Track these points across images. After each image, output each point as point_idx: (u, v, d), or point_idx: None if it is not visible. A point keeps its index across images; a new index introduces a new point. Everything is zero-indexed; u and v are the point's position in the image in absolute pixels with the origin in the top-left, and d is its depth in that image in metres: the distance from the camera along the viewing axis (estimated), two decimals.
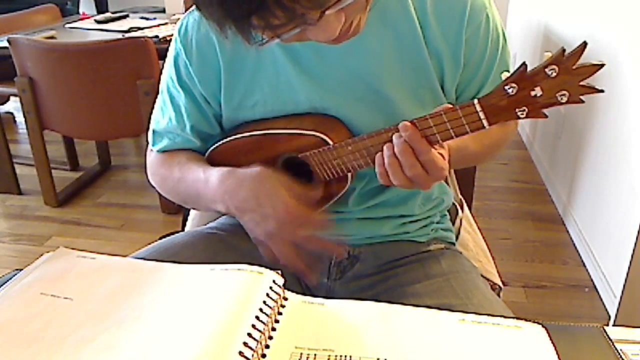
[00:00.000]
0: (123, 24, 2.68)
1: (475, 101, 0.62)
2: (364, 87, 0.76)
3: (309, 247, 0.72)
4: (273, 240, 0.72)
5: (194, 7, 0.79)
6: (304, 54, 0.75)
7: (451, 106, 0.64)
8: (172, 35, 1.72)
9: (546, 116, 0.60)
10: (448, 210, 0.98)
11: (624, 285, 1.58)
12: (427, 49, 0.74)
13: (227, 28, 0.55)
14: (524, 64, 0.59)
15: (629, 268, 1.55)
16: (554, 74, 0.57)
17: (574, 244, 2.10)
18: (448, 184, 1.03)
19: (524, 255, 2.05)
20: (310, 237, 0.72)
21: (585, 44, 0.56)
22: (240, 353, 0.50)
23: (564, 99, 0.58)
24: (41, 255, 0.69)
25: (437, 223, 0.93)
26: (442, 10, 0.74)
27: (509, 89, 0.60)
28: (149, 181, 0.89)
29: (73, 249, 0.71)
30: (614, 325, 1.62)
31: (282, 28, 0.55)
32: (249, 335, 0.52)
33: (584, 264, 1.98)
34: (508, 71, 0.80)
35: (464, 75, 0.78)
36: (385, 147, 0.67)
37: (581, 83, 0.57)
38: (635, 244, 1.52)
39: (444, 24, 0.74)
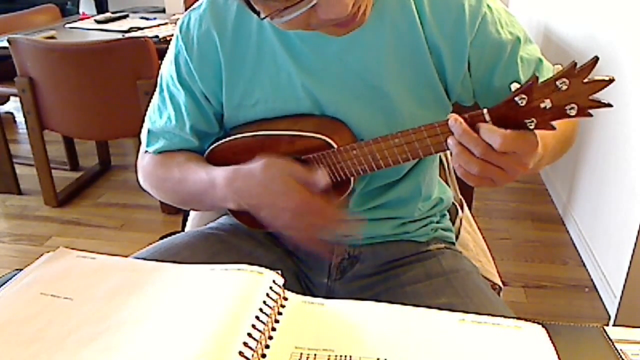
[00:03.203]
0: (123, 24, 2.68)
1: (485, 110, 0.62)
2: (362, 84, 0.76)
3: (325, 231, 0.73)
4: (292, 230, 0.73)
5: (195, 4, 0.79)
6: (302, 50, 0.75)
7: (459, 116, 0.64)
8: (172, 35, 1.72)
9: (554, 128, 0.60)
10: (448, 210, 0.98)
11: (624, 285, 1.58)
12: (427, 46, 0.74)
13: None
14: (534, 75, 0.59)
15: (629, 268, 1.55)
16: (565, 87, 0.58)
17: (574, 244, 2.10)
18: (448, 184, 1.03)
19: (524, 255, 2.05)
20: (326, 222, 0.73)
21: (596, 58, 0.56)
22: (240, 353, 0.50)
23: (573, 112, 0.58)
24: (41, 255, 0.69)
25: (437, 223, 0.93)
26: (440, 7, 0.73)
27: (519, 100, 0.60)
28: (139, 185, 0.88)
29: (73, 249, 0.71)
30: (614, 325, 1.62)
31: None
32: (249, 335, 0.52)
33: (584, 264, 1.98)
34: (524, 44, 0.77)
35: (485, 64, 0.75)
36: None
37: (590, 97, 0.57)
38: (635, 244, 1.52)
39: (441, 20, 0.73)
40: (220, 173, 0.75)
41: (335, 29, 0.66)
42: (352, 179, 0.76)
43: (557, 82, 0.58)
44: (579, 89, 0.57)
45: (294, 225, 0.72)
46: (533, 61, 0.76)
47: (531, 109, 0.60)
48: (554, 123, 0.60)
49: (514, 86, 0.61)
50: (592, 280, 1.89)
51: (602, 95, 0.58)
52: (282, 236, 0.75)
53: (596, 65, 0.57)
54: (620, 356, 0.55)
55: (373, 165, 0.72)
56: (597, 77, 0.57)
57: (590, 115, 0.58)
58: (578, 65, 0.57)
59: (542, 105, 0.59)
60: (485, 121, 0.62)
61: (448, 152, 1.05)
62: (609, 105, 0.57)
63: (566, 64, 0.58)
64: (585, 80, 0.57)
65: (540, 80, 0.59)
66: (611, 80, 0.56)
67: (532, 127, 0.61)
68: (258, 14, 0.62)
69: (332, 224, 0.73)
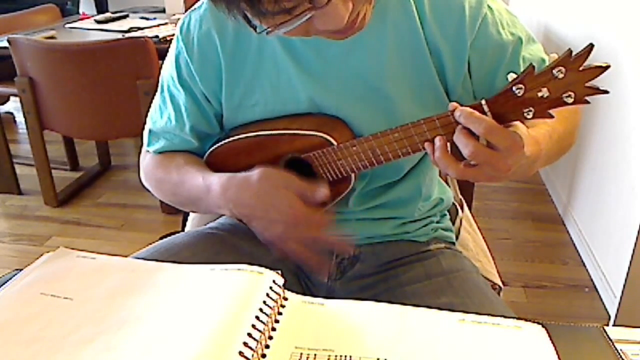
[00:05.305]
0: (123, 24, 2.68)
1: (483, 101, 0.63)
2: (363, 86, 0.76)
3: (317, 245, 0.73)
4: (282, 241, 0.73)
5: (196, 5, 0.79)
6: (304, 52, 0.75)
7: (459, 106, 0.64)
8: (172, 35, 1.72)
9: (552, 116, 0.61)
10: (448, 210, 0.98)
11: (624, 285, 1.58)
12: (427, 48, 0.74)
13: (235, 12, 0.58)
14: (531, 65, 0.59)
15: (629, 268, 1.55)
16: (561, 75, 0.58)
17: (574, 244, 2.10)
18: (448, 184, 1.03)
19: (524, 255, 2.05)
20: (318, 236, 0.72)
21: (591, 45, 0.57)
22: (240, 353, 0.50)
23: (570, 100, 0.59)
24: (41, 255, 0.69)
25: (437, 223, 0.93)
26: (440, 9, 0.73)
27: (516, 90, 0.60)
28: (141, 183, 0.88)
29: (73, 249, 0.70)
30: (614, 325, 1.62)
31: (292, 12, 0.56)
32: (249, 335, 0.52)
33: (584, 264, 1.98)
34: (526, 40, 0.78)
35: (486, 65, 0.75)
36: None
37: (587, 84, 0.58)
38: (635, 244, 1.52)
39: (442, 22, 0.73)
40: (216, 179, 0.75)
41: (335, 35, 0.66)
42: (352, 176, 0.76)
43: (554, 71, 0.58)
44: (575, 76, 0.58)
45: (284, 237, 0.72)
46: (535, 61, 0.76)
47: (529, 98, 0.60)
48: (551, 111, 0.60)
49: (511, 76, 0.61)
50: (592, 280, 1.89)
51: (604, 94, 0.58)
52: (272, 247, 0.74)
53: (591, 53, 0.57)
54: (620, 356, 0.55)
55: (373, 160, 0.72)
56: (592, 64, 0.57)
57: (588, 102, 0.59)
58: (573, 54, 0.57)
59: (540, 94, 0.60)
60: (483, 112, 0.63)
61: None
62: (605, 92, 0.58)
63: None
64: (581, 68, 0.57)
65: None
66: (607, 67, 0.57)
67: (530, 117, 0.61)
68: (255, 28, 0.62)
69: (324, 239, 0.73)
